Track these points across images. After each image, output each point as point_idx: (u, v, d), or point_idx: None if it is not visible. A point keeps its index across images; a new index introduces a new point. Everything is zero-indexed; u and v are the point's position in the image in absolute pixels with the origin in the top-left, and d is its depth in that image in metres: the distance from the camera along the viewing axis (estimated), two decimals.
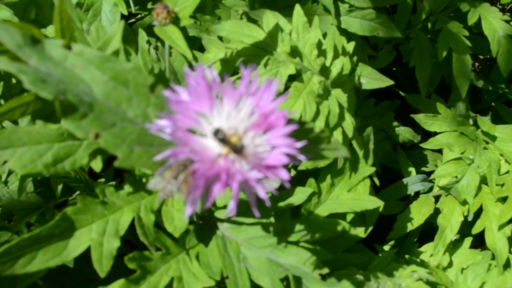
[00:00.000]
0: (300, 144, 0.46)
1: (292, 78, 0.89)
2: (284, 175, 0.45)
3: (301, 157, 0.47)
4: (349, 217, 1.03)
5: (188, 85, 0.46)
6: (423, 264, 1.13)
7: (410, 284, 0.83)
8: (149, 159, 0.49)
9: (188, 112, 0.45)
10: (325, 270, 0.73)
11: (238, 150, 0.45)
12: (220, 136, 0.45)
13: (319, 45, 0.93)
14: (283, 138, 0.46)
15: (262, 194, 0.45)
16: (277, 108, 0.46)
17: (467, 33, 1.38)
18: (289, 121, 0.48)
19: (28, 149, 0.60)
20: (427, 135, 1.51)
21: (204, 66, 0.46)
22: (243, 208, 0.90)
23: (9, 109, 0.55)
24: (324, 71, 0.92)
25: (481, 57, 1.87)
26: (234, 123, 0.47)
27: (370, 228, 1.09)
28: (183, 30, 0.73)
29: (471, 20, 1.33)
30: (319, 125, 0.87)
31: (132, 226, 0.70)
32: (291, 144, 0.46)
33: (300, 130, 0.53)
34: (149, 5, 1.30)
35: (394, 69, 1.72)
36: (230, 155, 0.45)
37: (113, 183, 0.93)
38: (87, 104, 0.46)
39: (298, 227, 0.78)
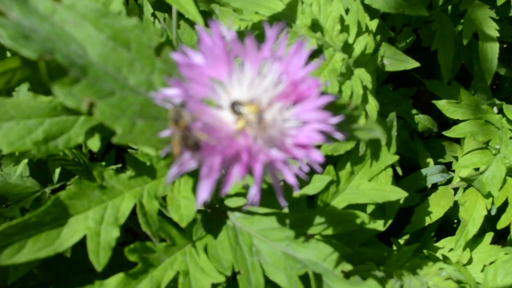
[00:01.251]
0: (336, 120, 0.38)
1: (312, 55, 0.81)
2: (317, 156, 0.37)
3: (338, 135, 0.39)
4: (369, 209, 0.95)
5: (203, 46, 0.38)
6: (446, 261, 1.05)
7: (438, 283, 0.76)
8: (153, 135, 0.41)
9: (202, 79, 0.37)
10: (348, 267, 0.66)
11: (257, 122, 0.37)
12: (237, 109, 0.37)
13: (341, 20, 0.85)
14: (316, 112, 0.38)
15: (291, 178, 0.37)
16: (308, 76, 0.38)
17: (494, 15, 1.30)
18: (322, 93, 0.40)
19: (15, 124, 0.53)
20: (443, 125, 1.43)
21: (221, 24, 0.38)
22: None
23: None
24: (347, 48, 0.84)
25: (501, 44, 1.78)
26: (257, 93, 0.39)
27: (390, 221, 1.02)
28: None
29: (500, 0, 1.24)
30: None
31: (134, 212, 0.63)
32: (326, 119, 0.38)
33: (332, 105, 0.45)
34: None
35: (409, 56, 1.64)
36: (251, 131, 0.38)
37: (114, 167, 0.85)
38: (80, 67, 0.38)
39: (318, 219, 0.70)
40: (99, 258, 0.58)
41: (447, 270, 0.79)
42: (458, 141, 1.41)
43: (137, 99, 0.41)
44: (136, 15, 1.06)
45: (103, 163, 1.17)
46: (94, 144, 0.58)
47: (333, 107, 0.47)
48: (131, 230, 1.23)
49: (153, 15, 0.95)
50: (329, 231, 0.71)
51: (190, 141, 0.36)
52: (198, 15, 0.57)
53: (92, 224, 0.59)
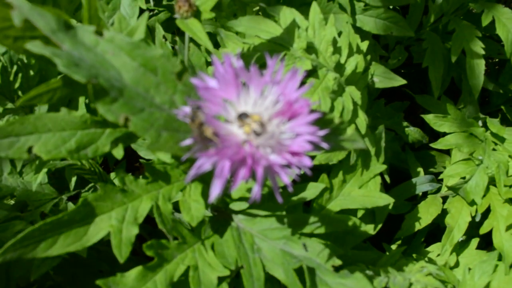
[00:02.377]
0: (323, 132, 0.48)
1: (307, 74, 0.90)
2: (307, 161, 0.47)
3: (324, 145, 0.48)
4: (360, 214, 1.04)
5: (216, 72, 0.47)
6: (431, 261, 1.14)
7: (420, 279, 0.84)
8: (175, 144, 0.50)
9: (216, 99, 0.47)
10: (338, 262, 0.74)
11: (259, 129, 0.46)
12: (244, 117, 0.47)
13: (334, 42, 0.94)
14: (307, 126, 0.47)
15: (286, 179, 0.46)
16: (301, 97, 0.48)
17: (480, 34, 1.39)
18: (311, 111, 0.49)
19: (52, 135, 0.61)
20: (435, 137, 1.52)
21: (231, 55, 0.48)
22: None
23: (37, 94, 0.57)
24: (339, 68, 0.93)
25: (490, 60, 1.88)
26: (260, 110, 0.48)
27: (380, 225, 1.11)
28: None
29: (485, 21, 1.34)
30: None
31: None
32: (315, 131, 0.47)
33: (321, 120, 0.55)
34: (164, 2, 1.32)
35: (403, 71, 1.73)
36: (255, 141, 0.47)
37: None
38: (117, 89, 0.47)
39: (312, 219, 0.79)
40: (121, 252, 0.66)
41: (429, 268, 0.87)
42: (448, 152, 1.50)
43: (162, 115, 0.50)
44: (148, 36, 1.16)
45: (114, 173, 1.26)
46: (118, 152, 0.66)
47: (322, 122, 0.56)
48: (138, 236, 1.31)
49: (164, 37, 1.04)
50: (322, 230, 0.80)
51: (203, 134, 0.46)
52: (209, 42, 0.67)
53: (115, 223, 0.67)
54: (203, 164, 0.46)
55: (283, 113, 0.48)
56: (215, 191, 0.46)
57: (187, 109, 0.48)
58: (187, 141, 0.47)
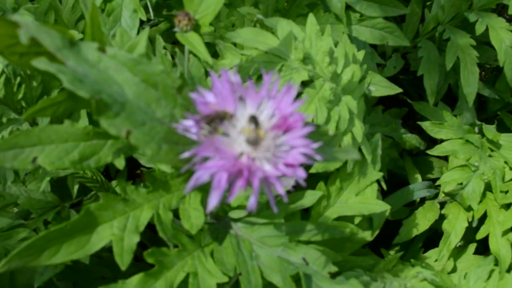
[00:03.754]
0: (316, 145, 0.50)
1: (304, 85, 0.92)
2: (302, 173, 0.49)
3: (317, 156, 0.50)
4: (357, 220, 1.06)
5: (214, 87, 0.49)
6: (427, 267, 1.16)
7: (415, 284, 0.86)
8: (175, 157, 0.52)
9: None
10: (334, 269, 0.76)
11: (254, 140, 0.48)
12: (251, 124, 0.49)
13: (330, 53, 0.96)
14: (301, 139, 0.49)
15: (281, 190, 0.48)
16: (295, 111, 0.50)
17: (474, 43, 1.41)
18: (306, 124, 0.51)
19: (56, 147, 0.63)
20: (433, 142, 1.54)
21: (228, 70, 0.50)
22: (256, 209, 0.93)
23: (41, 108, 0.59)
24: (335, 78, 0.95)
25: (488, 66, 1.90)
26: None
27: (377, 232, 1.12)
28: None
29: (479, 30, 1.36)
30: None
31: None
32: (308, 144, 0.49)
33: (316, 133, 0.57)
34: (164, 12, 1.34)
35: (401, 77, 1.75)
36: (251, 153, 0.49)
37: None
38: (120, 103, 0.49)
39: (309, 227, 0.81)
40: (123, 260, 0.68)
41: (425, 273, 0.89)
42: (446, 157, 1.52)
43: (162, 128, 0.52)
44: (148, 46, 1.18)
45: (116, 181, 1.27)
46: (120, 163, 0.69)
47: (317, 134, 0.58)
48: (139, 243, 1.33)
49: (164, 47, 1.06)
50: (319, 238, 0.82)
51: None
52: (208, 56, 0.69)
53: (117, 232, 0.69)
54: (201, 175, 0.48)
55: (278, 127, 0.50)
56: (213, 202, 0.48)
57: (187, 123, 0.50)
58: (186, 154, 0.49)
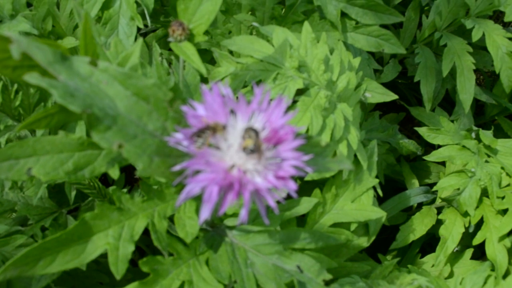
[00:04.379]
0: (307, 157, 0.50)
1: (300, 92, 0.92)
2: (292, 185, 0.49)
3: (308, 169, 0.50)
4: (353, 227, 1.06)
5: (205, 102, 0.50)
6: (423, 273, 1.16)
7: None
8: (167, 169, 0.52)
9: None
10: (328, 276, 0.76)
11: (257, 148, 0.49)
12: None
13: (326, 60, 0.96)
14: (292, 152, 0.50)
15: (272, 203, 0.49)
16: (286, 124, 0.50)
17: (471, 50, 1.42)
18: (297, 136, 0.51)
19: (50, 157, 0.64)
20: (432, 147, 1.55)
21: (219, 84, 0.50)
22: (251, 217, 0.94)
23: (35, 120, 0.59)
24: (331, 85, 0.96)
25: (485, 71, 1.90)
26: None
27: (373, 238, 1.13)
28: (196, 43, 0.77)
29: (476, 36, 1.36)
30: (325, 137, 0.91)
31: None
32: (299, 157, 0.50)
33: (308, 144, 0.57)
34: (162, 18, 1.35)
35: (400, 81, 1.76)
36: (243, 166, 0.49)
37: (125, 190, 0.97)
38: (111, 117, 0.50)
39: (303, 235, 0.81)
40: (118, 269, 0.68)
41: (420, 280, 0.89)
42: (444, 163, 1.52)
43: (154, 141, 0.52)
44: (144, 53, 1.18)
45: (114, 187, 1.28)
46: (114, 173, 0.69)
47: (309, 145, 0.59)
48: (137, 248, 1.34)
49: (161, 54, 1.07)
50: (314, 245, 0.82)
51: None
52: (202, 65, 0.69)
53: (112, 241, 0.70)
54: (193, 188, 0.48)
55: (269, 140, 0.50)
56: (204, 214, 0.49)
57: (179, 136, 0.51)
58: (178, 167, 0.50)
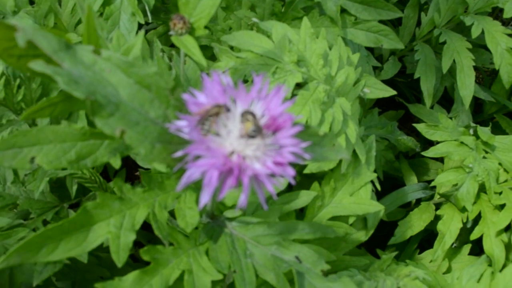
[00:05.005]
0: (305, 144, 0.51)
1: (299, 86, 0.94)
2: (290, 171, 0.50)
3: (306, 155, 0.52)
4: (351, 220, 1.07)
5: (205, 89, 0.51)
6: (420, 266, 1.17)
7: (407, 283, 0.88)
8: (168, 155, 0.54)
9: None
10: (326, 267, 0.78)
11: (258, 129, 0.50)
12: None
13: (325, 55, 0.98)
14: (290, 138, 0.51)
15: (270, 188, 0.50)
16: (284, 112, 0.51)
17: (470, 46, 1.43)
18: (296, 124, 0.53)
19: (54, 147, 0.65)
20: (431, 144, 1.56)
21: (219, 72, 0.51)
22: (251, 209, 0.95)
23: (39, 108, 0.60)
24: (330, 80, 0.97)
25: (484, 69, 1.91)
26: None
27: (371, 232, 1.14)
28: (196, 39, 0.78)
29: (475, 33, 1.38)
30: (323, 130, 0.92)
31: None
32: (297, 143, 0.51)
33: (306, 133, 0.58)
34: (162, 15, 1.36)
35: (399, 79, 1.77)
36: (242, 152, 0.50)
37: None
38: (114, 104, 0.51)
39: (302, 225, 0.82)
40: (119, 257, 0.69)
41: (417, 272, 0.90)
42: (442, 159, 1.53)
43: (155, 128, 0.54)
44: (146, 49, 1.20)
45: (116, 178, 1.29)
46: (116, 162, 0.70)
47: (308, 134, 0.60)
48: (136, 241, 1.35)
49: (162, 50, 1.08)
50: (313, 237, 0.83)
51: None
52: (203, 58, 0.70)
53: (113, 230, 0.71)
54: (193, 173, 0.49)
55: (268, 127, 0.51)
56: (204, 199, 0.50)
57: (180, 123, 0.52)
58: (179, 153, 0.51)
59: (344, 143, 0.95)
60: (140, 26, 1.13)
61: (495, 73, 1.52)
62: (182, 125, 0.51)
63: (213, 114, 0.51)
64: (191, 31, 0.76)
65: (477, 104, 1.82)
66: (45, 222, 1.15)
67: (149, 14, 1.11)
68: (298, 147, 0.51)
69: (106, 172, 1.48)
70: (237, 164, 0.50)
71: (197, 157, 0.50)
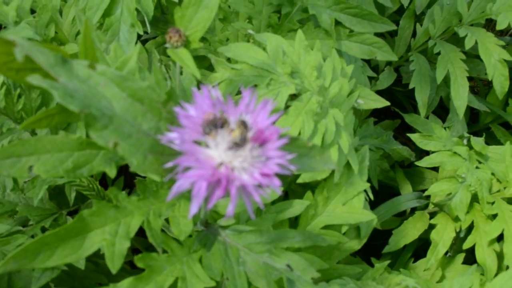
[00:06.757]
0: (291, 156, 0.53)
1: (294, 97, 0.96)
2: (276, 182, 0.52)
3: (292, 167, 0.54)
4: (344, 229, 1.09)
5: (195, 102, 0.53)
6: (412, 275, 1.19)
7: None
8: (159, 166, 0.56)
9: (195, 126, 0.53)
10: (317, 274, 0.79)
11: (243, 140, 0.52)
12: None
13: (319, 67, 1.00)
14: (276, 151, 0.53)
15: (257, 198, 0.52)
16: (271, 125, 0.54)
17: (464, 57, 1.45)
18: (283, 137, 0.55)
19: (51, 156, 0.67)
20: (427, 154, 1.57)
21: (209, 86, 0.54)
22: (244, 217, 0.97)
23: (37, 120, 0.62)
24: (323, 91, 0.99)
25: (480, 79, 1.93)
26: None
27: (364, 240, 1.15)
28: (194, 50, 0.80)
29: (468, 44, 1.40)
30: (316, 141, 0.94)
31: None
32: (283, 155, 0.53)
33: (294, 144, 0.60)
34: (161, 25, 1.39)
35: (395, 89, 1.79)
36: (230, 164, 0.52)
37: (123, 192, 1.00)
38: (108, 117, 0.53)
39: (293, 234, 0.84)
40: (114, 264, 0.71)
41: (408, 281, 0.92)
42: (438, 169, 1.55)
43: (148, 140, 0.56)
44: (144, 59, 1.22)
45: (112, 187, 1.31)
46: (112, 172, 0.72)
47: (295, 146, 0.62)
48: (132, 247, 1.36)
49: (160, 59, 1.10)
50: (305, 245, 0.85)
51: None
52: (197, 71, 0.73)
53: (108, 237, 0.72)
54: (182, 184, 0.51)
55: (255, 139, 0.53)
56: (193, 209, 0.52)
57: (171, 135, 0.54)
58: (170, 164, 0.53)
59: (337, 154, 0.97)
60: (139, 36, 1.15)
61: (490, 83, 1.54)
62: (174, 137, 0.53)
63: (215, 122, 0.53)
64: (186, 44, 0.78)
65: (473, 114, 1.84)
66: (43, 229, 1.17)
67: (148, 25, 1.13)
68: (284, 159, 0.53)
69: (105, 180, 1.50)
70: (225, 175, 0.52)
71: (187, 168, 0.52)
